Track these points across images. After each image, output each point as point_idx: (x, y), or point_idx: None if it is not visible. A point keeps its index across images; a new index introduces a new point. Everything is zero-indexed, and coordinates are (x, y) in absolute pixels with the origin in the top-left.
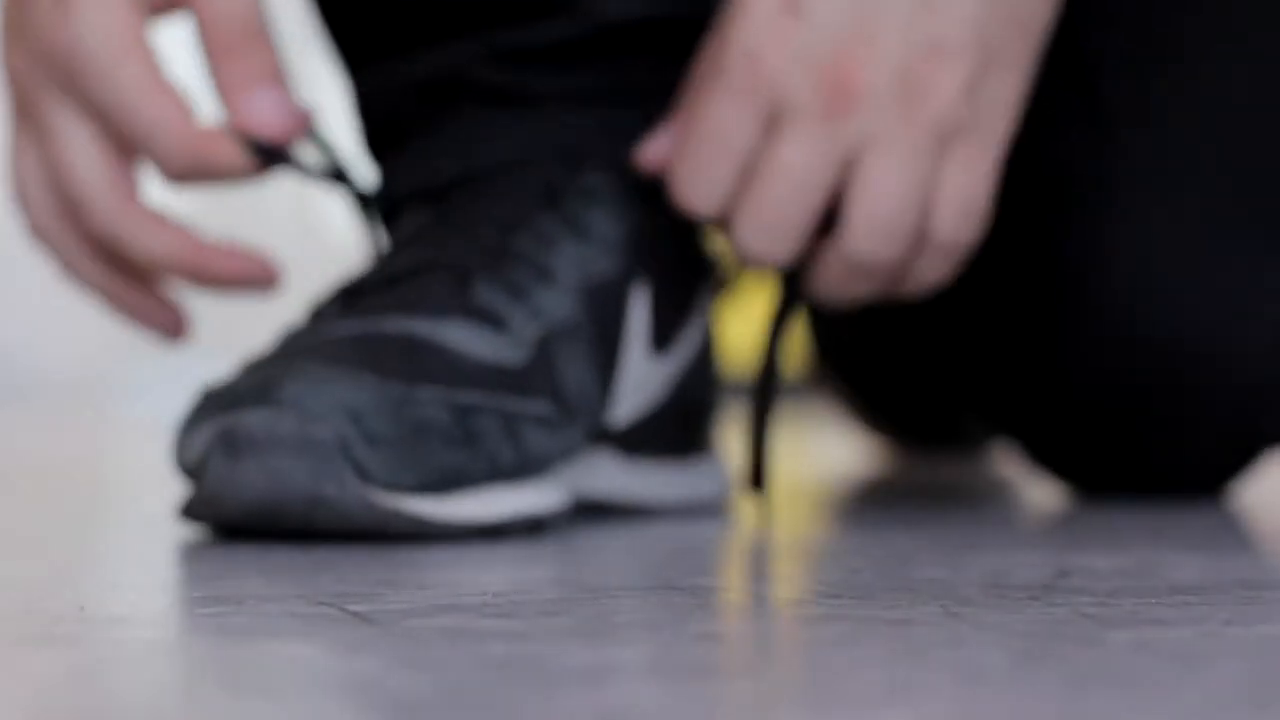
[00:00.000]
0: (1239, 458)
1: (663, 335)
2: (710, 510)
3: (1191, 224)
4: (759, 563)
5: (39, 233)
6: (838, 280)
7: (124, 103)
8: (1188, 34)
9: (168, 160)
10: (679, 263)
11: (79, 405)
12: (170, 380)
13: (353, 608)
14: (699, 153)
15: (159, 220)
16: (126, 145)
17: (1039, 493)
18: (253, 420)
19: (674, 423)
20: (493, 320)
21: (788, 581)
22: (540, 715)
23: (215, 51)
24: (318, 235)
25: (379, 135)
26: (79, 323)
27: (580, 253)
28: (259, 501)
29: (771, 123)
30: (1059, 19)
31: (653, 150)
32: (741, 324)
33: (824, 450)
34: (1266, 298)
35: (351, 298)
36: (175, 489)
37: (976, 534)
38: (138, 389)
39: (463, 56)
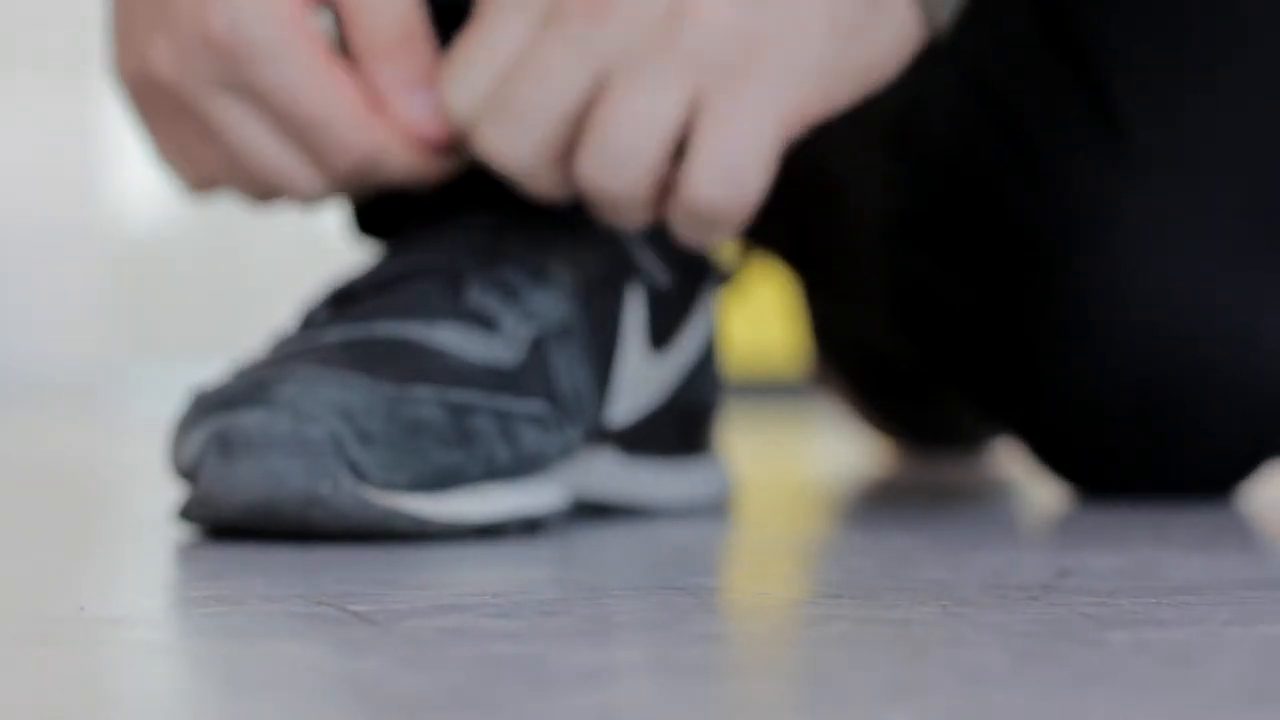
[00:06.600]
0: (1245, 465)
1: (662, 334)
2: (710, 510)
3: (1202, 231)
4: (759, 563)
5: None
6: (587, 196)
7: (292, 89)
8: (1204, 45)
9: (339, 153)
10: (679, 261)
11: (79, 405)
12: (170, 381)
13: (353, 608)
14: (465, 52)
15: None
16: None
17: (1039, 493)
18: (247, 421)
19: (675, 422)
20: (485, 321)
21: (788, 581)
22: (540, 715)
23: (369, 53)
24: (318, 238)
25: None
26: (79, 323)
27: (574, 252)
28: (255, 502)
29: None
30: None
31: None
32: (745, 324)
33: (824, 450)
34: (1275, 306)
35: (342, 302)
36: (174, 489)
37: (976, 534)
38: (138, 389)
39: None
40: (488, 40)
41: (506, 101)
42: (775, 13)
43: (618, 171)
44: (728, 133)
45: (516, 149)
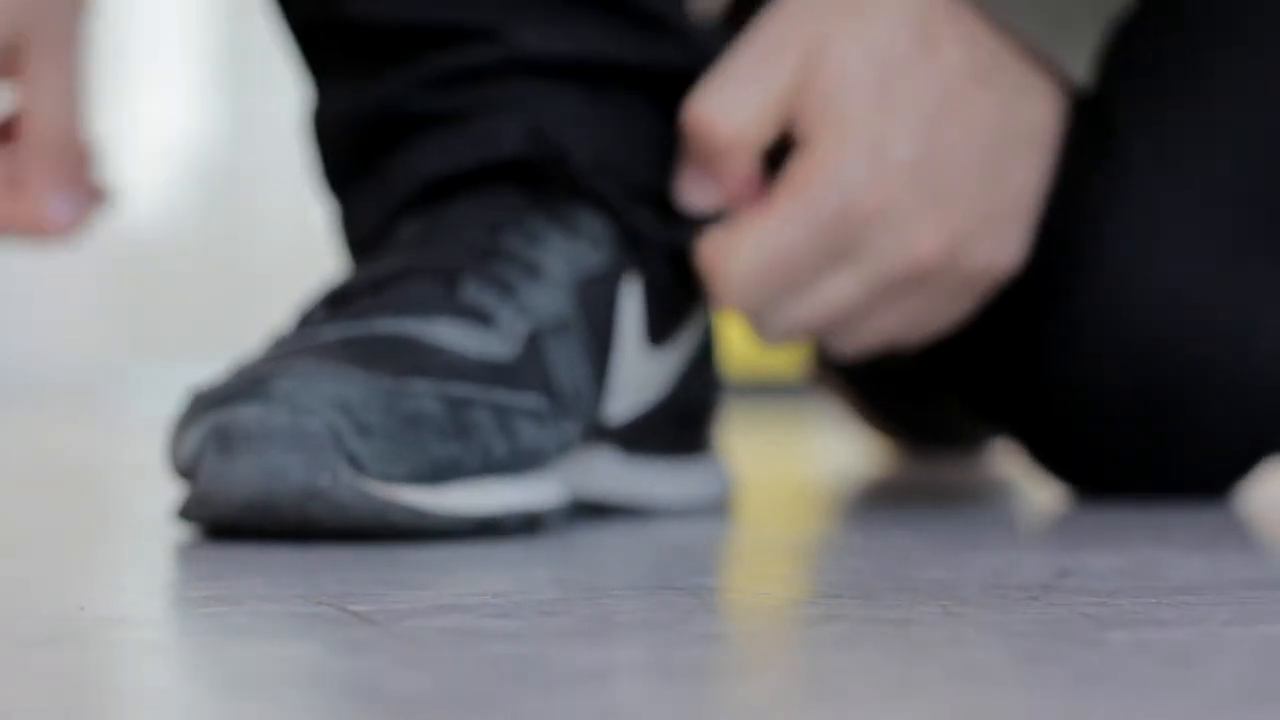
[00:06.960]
0: (1244, 465)
1: (660, 331)
2: (710, 510)
3: (1199, 231)
4: (759, 563)
5: None
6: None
7: None
8: (1199, 49)
9: None
10: (676, 259)
11: (79, 405)
12: (170, 381)
13: (353, 608)
14: (748, 252)
15: None
16: None
17: (1039, 493)
18: (245, 415)
19: (674, 420)
20: (481, 317)
21: (788, 581)
22: (540, 715)
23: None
24: (318, 239)
25: (340, 166)
26: (79, 323)
27: (569, 248)
28: (254, 496)
29: (837, 253)
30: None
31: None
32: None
33: (824, 450)
34: (1273, 306)
35: (339, 302)
36: (174, 489)
37: (976, 534)
38: (138, 389)
39: (400, 85)
40: (775, 248)
41: (786, 312)
42: (1011, 247)
43: (853, 354)
44: (940, 320)
45: (777, 340)
